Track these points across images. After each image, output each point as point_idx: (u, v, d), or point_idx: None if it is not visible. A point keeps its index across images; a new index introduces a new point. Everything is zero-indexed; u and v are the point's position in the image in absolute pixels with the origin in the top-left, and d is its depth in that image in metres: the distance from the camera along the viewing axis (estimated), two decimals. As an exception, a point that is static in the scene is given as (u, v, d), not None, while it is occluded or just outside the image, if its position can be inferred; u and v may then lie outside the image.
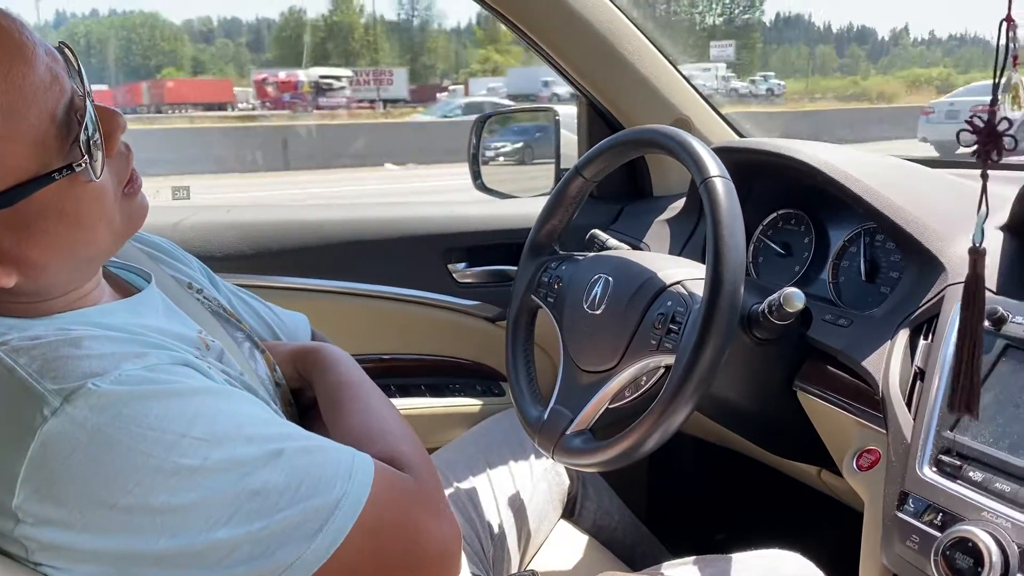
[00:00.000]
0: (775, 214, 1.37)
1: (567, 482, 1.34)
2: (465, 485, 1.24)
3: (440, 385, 1.55)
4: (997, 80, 0.65)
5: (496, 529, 1.20)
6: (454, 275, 1.58)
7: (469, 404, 1.54)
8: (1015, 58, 0.65)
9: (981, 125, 0.65)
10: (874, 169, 1.15)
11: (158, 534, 0.61)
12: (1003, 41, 0.65)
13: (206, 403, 0.65)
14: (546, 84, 25.81)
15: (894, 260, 1.15)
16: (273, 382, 0.88)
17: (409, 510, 0.73)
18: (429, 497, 0.76)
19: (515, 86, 29.27)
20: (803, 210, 1.33)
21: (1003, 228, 0.99)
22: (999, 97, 0.66)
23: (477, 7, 1.45)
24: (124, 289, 0.80)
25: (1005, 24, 0.64)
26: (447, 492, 1.21)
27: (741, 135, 1.65)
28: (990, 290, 0.91)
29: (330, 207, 1.58)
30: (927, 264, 1.01)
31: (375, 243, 1.52)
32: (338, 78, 29.42)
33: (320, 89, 27.94)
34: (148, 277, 0.82)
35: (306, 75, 28.30)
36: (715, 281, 0.91)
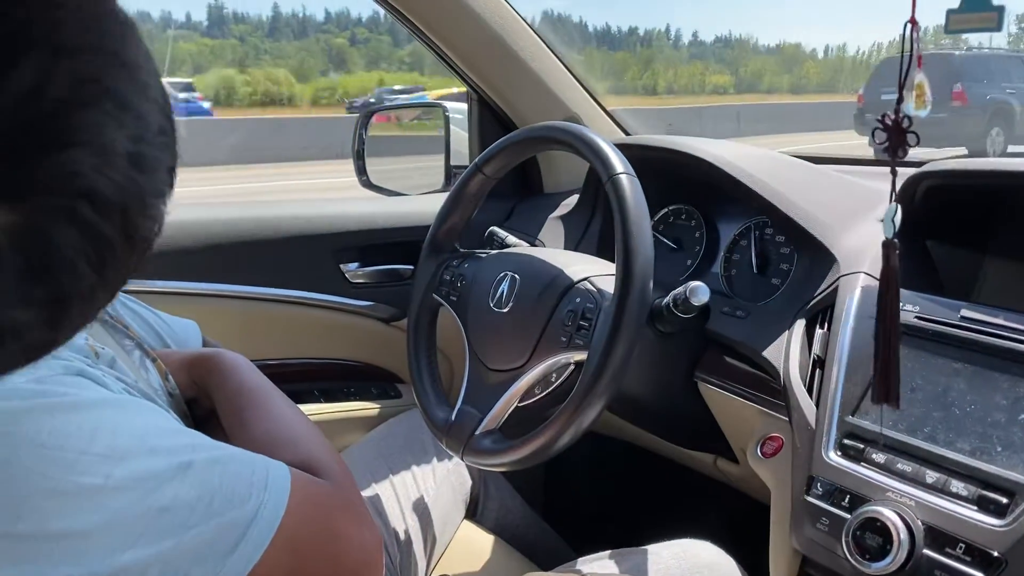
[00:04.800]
0: (666, 209, 1.40)
1: (469, 482, 1.32)
2: (368, 492, 1.20)
3: (334, 389, 1.50)
4: (903, 80, 0.69)
5: (402, 535, 1.17)
6: (346, 275, 1.52)
7: (366, 408, 1.50)
8: (919, 58, 0.68)
9: (890, 124, 0.68)
10: (763, 164, 1.20)
11: (58, 562, 0.55)
12: (907, 42, 0.68)
13: (105, 415, 0.60)
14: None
15: (784, 252, 1.20)
16: (166, 392, 0.82)
17: (330, 518, 0.69)
18: (349, 503, 0.73)
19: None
20: (693, 205, 1.37)
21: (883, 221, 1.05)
22: (904, 96, 0.69)
23: None
24: None
25: (910, 26, 0.67)
26: None
27: (626, 132, 1.68)
28: (875, 278, 0.96)
29: (213, 207, 1.50)
30: (818, 256, 1.06)
31: (262, 243, 1.45)
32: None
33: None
34: None
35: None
36: (626, 277, 0.92)
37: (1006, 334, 0.83)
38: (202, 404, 0.87)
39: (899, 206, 0.67)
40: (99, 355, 0.70)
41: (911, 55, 0.66)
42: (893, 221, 0.68)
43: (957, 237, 1.05)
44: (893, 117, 0.66)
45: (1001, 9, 0.68)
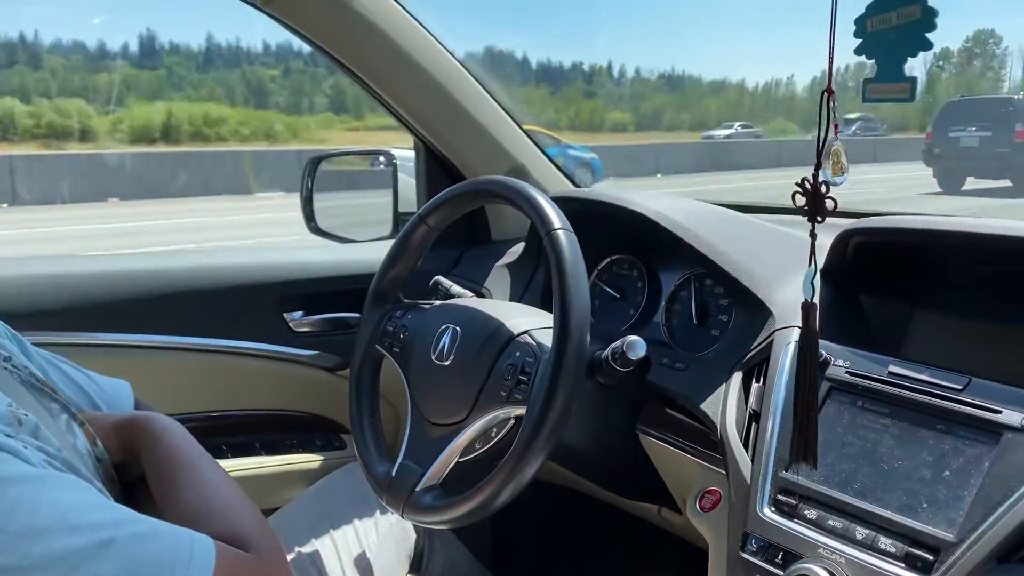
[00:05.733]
0: (608, 259, 1.42)
1: (414, 536, 1.30)
2: (307, 548, 1.18)
3: (276, 441, 1.48)
4: (820, 147, 0.71)
5: None
6: (290, 324, 1.51)
7: (309, 460, 1.48)
8: (835, 126, 0.71)
9: (809, 188, 0.70)
10: (701, 217, 1.22)
11: None
12: (824, 111, 0.71)
13: (23, 492, 0.58)
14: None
15: (723, 304, 1.21)
16: (94, 457, 0.81)
17: None
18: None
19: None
20: (635, 255, 1.38)
21: (820, 274, 1.07)
22: (821, 162, 0.71)
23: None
24: None
25: (827, 95, 0.70)
26: (289, 557, 1.14)
27: (574, 182, 1.70)
28: None
29: (150, 256, 1.48)
30: (754, 309, 1.07)
31: (201, 293, 1.43)
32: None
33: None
34: None
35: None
36: (563, 332, 0.93)
37: (931, 390, 0.85)
38: (131, 469, 0.85)
39: (816, 269, 0.68)
40: (22, 423, 0.68)
41: (828, 123, 0.69)
42: (812, 283, 0.69)
43: (887, 292, 1.07)
44: (812, 183, 0.68)
45: (914, 80, 0.71)
